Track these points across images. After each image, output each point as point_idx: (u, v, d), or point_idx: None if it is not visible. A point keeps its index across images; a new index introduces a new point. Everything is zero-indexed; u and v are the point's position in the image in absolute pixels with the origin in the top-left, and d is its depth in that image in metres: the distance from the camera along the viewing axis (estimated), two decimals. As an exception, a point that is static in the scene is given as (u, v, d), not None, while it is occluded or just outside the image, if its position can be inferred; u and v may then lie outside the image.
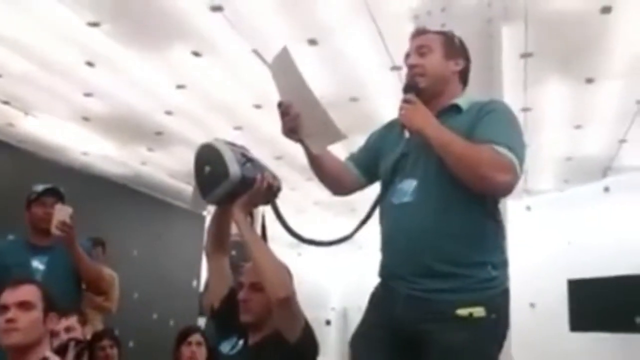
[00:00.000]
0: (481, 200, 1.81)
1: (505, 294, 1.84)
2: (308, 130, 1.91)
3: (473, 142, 1.75)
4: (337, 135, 1.86)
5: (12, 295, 2.11)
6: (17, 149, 6.50)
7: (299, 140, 1.94)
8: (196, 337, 3.62)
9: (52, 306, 2.19)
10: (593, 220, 7.05)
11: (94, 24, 4.26)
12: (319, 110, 1.86)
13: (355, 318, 2.00)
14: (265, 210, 2.10)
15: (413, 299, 1.79)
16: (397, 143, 1.97)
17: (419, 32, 2.03)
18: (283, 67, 1.93)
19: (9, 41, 4.54)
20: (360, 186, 2.15)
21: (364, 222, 1.96)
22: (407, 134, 1.89)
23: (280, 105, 1.91)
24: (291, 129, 1.91)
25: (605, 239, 6.75)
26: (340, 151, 2.13)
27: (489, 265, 1.80)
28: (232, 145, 1.98)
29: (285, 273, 1.95)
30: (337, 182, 2.12)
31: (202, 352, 3.60)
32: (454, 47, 1.99)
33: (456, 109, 1.91)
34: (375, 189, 2.22)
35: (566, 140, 6.17)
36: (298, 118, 1.89)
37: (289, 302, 1.88)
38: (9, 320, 2.06)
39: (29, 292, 2.14)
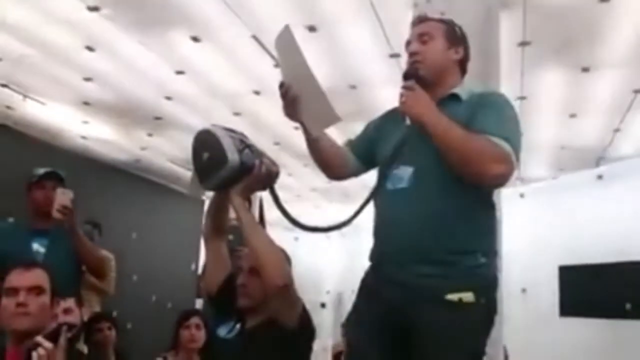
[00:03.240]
0: (476, 189, 1.83)
1: (494, 280, 1.89)
2: (307, 112, 1.91)
3: (471, 132, 1.77)
4: (333, 118, 1.87)
5: (23, 279, 2.07)
6: (16, 132, 6.51)
7: (299, 121, 1.95)
8: (195, 320, 3.68)
9: (56, 290, 2.17)
10: (586, 208, 7.09)
11: (94, 8, 4.25)
12: (318, 92, 1.86)
13: (349, 301, 2.05)
14: (263, 196, 2.12)
15: (404, 284, 1.82)
16: (395, 131, 1.98)
17: (421, 19, 2.05)
18: (286, 46, 1.93)
19: (9, 25, 4.52)
20: (356, 173, 2.17)
21: (361, 208, 1.97)
22: (407, 121, 1.90)
23: (281, 86, 1.91)
24: (290, 112, 1.92)
25: (597, 226, 6.80)
26: (338, 137, 2.15)
27: (479, 252, 1.83)
28: (230, 131, 1.99)
29: (283, 260, 1.98)
30: (334, 167, 2.14)
31: (201, 335, 3.66)
32: (455, 36, 2.01)
33: (456, 98, 1.93)
34: (370, 176, 2.25)
35: (561, 128, 6.18)
36: (297, 100, 1.89)
37: (287, 290, 1.92)
38: (20, 305, 2.02)
39: (40, 277, 2.11)
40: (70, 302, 2.89)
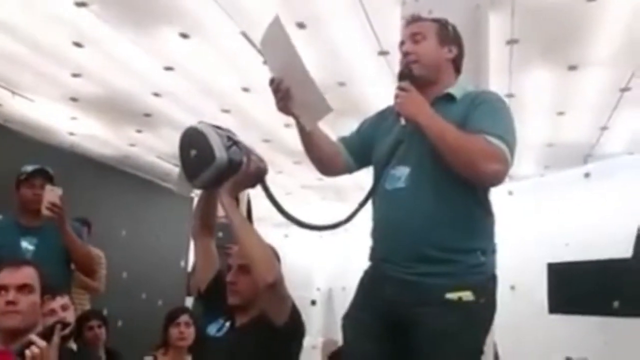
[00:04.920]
0: (473, 188, 1.85)
1: (493, 279, 1.89)
2: (300, 105, 1.91)
3: (466, 131, 1.78)
4: (325, 109, 1.87)
5: (13, 277, 2.07)
6: (5, 129, 6.46)
7: (292, 115, 1.95)
8: (185, 318, 3.68)
9: (46, 289, 2.17)
10: (573, 205, 7.14)
11: (82, 4, 4.22)
12: (310, 83, 1.86)
13: (340, 298, 2.06)
14: (250, 193, 2.12)
15: (403, 283, 1.83)
16: (390, 130, 1.99)
17: (413, 19, 2.05)
18: (274, 39, 1.91)
19: (-4, 21, 4.50)
20: (349, 170, 2.18)
21: (359, 208, 1.98)
22: (402, 121, 1.91)
23: (272, 81, 1.91)
24: (283, 106, 1.92)
25: (585, 223, 6.85)
26: (328, 134, 2.15)
27: (479, 251, 1.85)
28: (217, 128, 1.98)
29: (272, 257, 1.98)
30: (327, 162, 2.14)
31: (190, 333, 3.65)
32: (448, 35, 2.01)
33: (450, 98, 1.94)
34: (362, 174, 2.25)
35: (549, 126, 6.22)
36: (289, 93, 1.89)
37: (276, 287, 1.91)
38: (10, 303, 2.02)
39: (29, 275, 2.11)
40: (66, 299, 2.90)
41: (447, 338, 1.76)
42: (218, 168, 1.90)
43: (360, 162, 2.15)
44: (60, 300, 2.83)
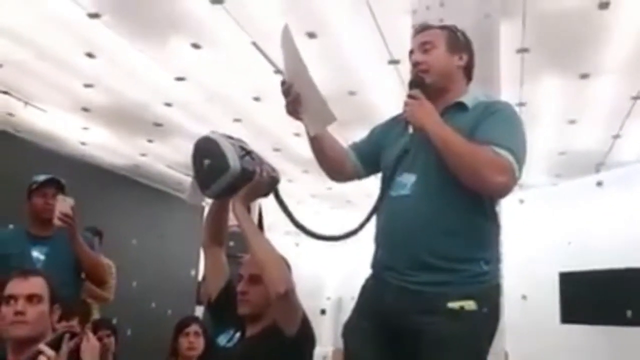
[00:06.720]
0: (478, 198, 1.82)
1: (497, 288, 1.86)
2: (307, 111, 1.91)
3: (475, 141, 1.76)
4: (329, 118, 1.87)
5: (22, 287, 2.07)
6: (17, 138, 6.51)
7: (300, 119, 1.94)
8: (194, 328, 3.65)
9: (56, 298, 2.16)
10: (585, 214, 7.09)
11: (95, 15, 4.27)
12: (315, 91, 1.87)
13: (349, 308, 2.04)
14: (262, 202, 2.11)
15: (404, 291, 1.81)
16: (400, 137, 1.97)
17: (422, 28, 2.03)
18: (286, 45, 1.92)
19: (10, 31, 4.54)
20: (358, 176, 2.16)
21: (369, 216, 1.96)
22: (410, 129, 1.89)
23: (283, 83, 1.91)
24: (293, 109, 1.92)
25: (597, 232, 6.80)
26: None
27: (482, 260, 1.81)
28: (230, 138, 1.98)
29: (284, 266, 1.95)
30: (336, 168, 2.12)
31: (200, 342, 3.62)
32: (458, 42, 1.99)
33: (461, 106, 1.91)
34: (371, 181, 2.24)
35: (560, 134, 6.20)
36: (298, 98, 1.89)
37: (288, 297, 1.88)
38: (18, 313, 2.02)
39: (38, 285, 2.10)
40: (73, 323, 2.89)
41: (448, 347, 1.73)
42: (232, 177, 1.89)
43: (369, 168, 2.13)
44: (64, 324, 2.81)
